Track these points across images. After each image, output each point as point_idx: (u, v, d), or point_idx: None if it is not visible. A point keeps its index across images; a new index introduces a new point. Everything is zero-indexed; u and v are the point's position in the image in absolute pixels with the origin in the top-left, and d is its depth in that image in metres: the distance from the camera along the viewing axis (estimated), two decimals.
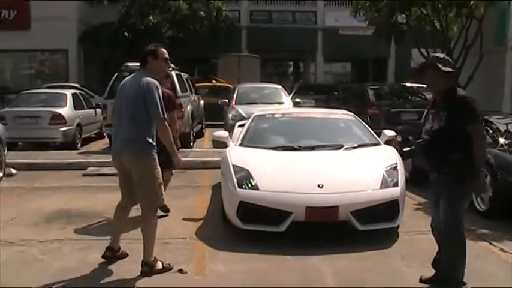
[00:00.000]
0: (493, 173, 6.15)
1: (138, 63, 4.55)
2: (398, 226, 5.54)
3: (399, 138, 8.34)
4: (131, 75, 4.50)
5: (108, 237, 4.87)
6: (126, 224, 4.86)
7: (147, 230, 4.41)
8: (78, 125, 12.82)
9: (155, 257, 4.46)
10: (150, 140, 4.28)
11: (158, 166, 4.35)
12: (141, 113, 4.24)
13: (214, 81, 20.34)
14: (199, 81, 18.87)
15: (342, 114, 7.47)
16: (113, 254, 4.67)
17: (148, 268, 4.37)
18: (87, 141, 13.48)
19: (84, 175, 9.18)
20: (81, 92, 14.96)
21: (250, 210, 5.25)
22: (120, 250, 4.74)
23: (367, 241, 5.22)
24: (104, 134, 13.01)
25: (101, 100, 13.42)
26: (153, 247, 4.43)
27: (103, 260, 4.66)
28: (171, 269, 4.50)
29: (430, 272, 4.32)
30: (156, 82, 4.34)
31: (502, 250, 5.11)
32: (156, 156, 4.32)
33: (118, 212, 4.70)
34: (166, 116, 4.31)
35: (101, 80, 20.44)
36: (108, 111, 11.04)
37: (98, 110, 13.87)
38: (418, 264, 4.69)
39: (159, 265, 4.46)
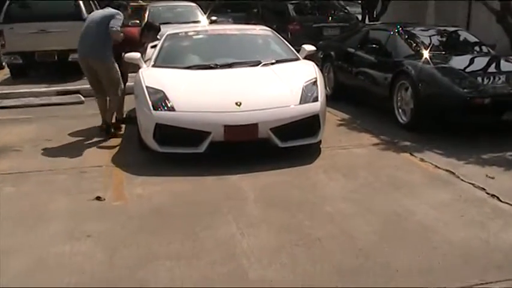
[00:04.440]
0: (414, 85, 6.41)
1: None
2: (320, 142, 5.72)
3: (321, 54, 8.81)
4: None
5: (23, 171, 5.24)
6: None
7: (113, 104, 6.69)
8: None
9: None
10: (109, 48, 6.40)
11: (116, 65, 6.48)
12: (103, 28, 6.28)
13: (140, 1, 19.83)
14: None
15: (259, 30, 7.47)
16: (108, 127, 6.69)
17: (106, 125, 6.68)
18: None
19: None
20: None
21: (167, 133, 5.29)
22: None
23: (289, 158, 5.40)
24: (3, 63, 12.13)
25: None
26: (113, 114, 6.81)
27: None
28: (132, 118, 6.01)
29: (353, 184, 4.62)
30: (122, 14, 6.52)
31: (422, 160, 5.49)
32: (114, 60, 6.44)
33: (101, 105, 6.79)
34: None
35: None
36: (6, 36, 10.49)
37: None
38: (340, 176, 4.96)
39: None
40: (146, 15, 13.25)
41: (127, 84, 6.90)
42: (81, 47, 6.54)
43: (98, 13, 6.73)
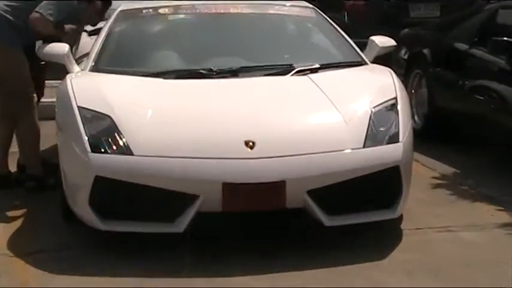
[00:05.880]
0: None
1: None
2: (401, 218, 5.27)
3: (404, 54, 8.44)
4: None
5: None
6: None
7: (27, 136, 6.23)
8: None
9: None
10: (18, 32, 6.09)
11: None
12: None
13: None
14: None
15: (292, 8, 6.96)
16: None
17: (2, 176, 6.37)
18: None
19: None
20: None
21: (116, 195, 4.87)
22: None
23: (343, 247, 4.93)
24: None
25: None
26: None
27: None
28: None
29: None
30: None
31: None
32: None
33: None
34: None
35: None
36: None
37: None
38: (439, 285, 4.45)
39: None
40: None
41: (41, 101, 6.67)
42: None
43: None
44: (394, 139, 5.03)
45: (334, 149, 4.89)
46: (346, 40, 6.49)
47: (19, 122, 6.27)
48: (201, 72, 5.75)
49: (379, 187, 4.96)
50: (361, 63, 6.14)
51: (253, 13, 6.91)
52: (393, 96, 5.39)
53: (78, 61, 6.27)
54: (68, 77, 5.69)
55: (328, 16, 6.89)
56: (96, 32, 6.67)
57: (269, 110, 5.34)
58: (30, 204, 5.99)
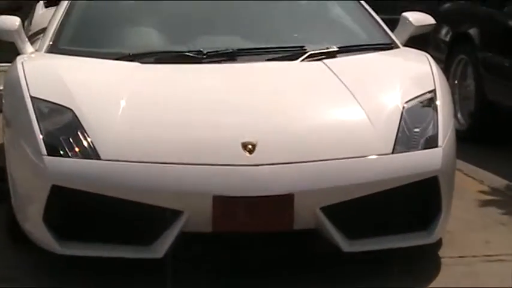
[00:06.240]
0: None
1: None
2: (439, 243, 4.98)
3: (446, 35, 8.21)
4: None
5: None
6: None
7: None
8: None
9: None
10: None
11: None
12: None
13: None
14: None
15: None
16: None
17: None
18: None
19: None
20: None
21: (77, 210, 4.58)
22: None
23: (363, 279, 4.63)
24: None
25: None
26: None
27: None
28: None
29: None
30: None
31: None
32: None
33: None
34: None
35: None
36: None
37: None
38: None
39: None
40: None
41: None
42: None
43: None
44: (431, 143, 4.73)
45: (355, 154, 4.57)
46: (372, 17, 6.13)
47: None
48: (187, 55, 5.47)
49: (412, 204, 4.70)
50: (390, 46, 5.84)
51: None
52: (431, 88, 5.07)
53: (32, 39, 6.03)
54: (19, 59, 5.43)
55: None
56: (54, 2, 6.39)
57: (273, 105, 5.01)
58: None
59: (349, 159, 4.54)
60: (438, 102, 4.98)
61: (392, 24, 6.44)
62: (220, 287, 4.70)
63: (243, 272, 4.79)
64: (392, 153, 4.58)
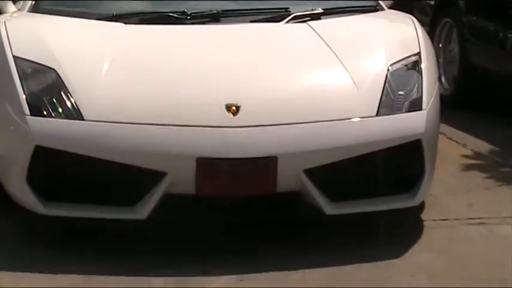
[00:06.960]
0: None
1: None
2: (422, 206, 5.00)
3: None
4: None
5: None
6: None
7: None
8: None
9: None
10: None
11: None
12: None
13: None
14: None
15: None
16: None
17: None
18: None
19: None
20: None
21: (61, 170, 4.57)
22: None
23: (347, 241, 4.69)
24: None
25: None
26: None
27: None
28: None
29: None
30: None
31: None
32: None
33: None
34: None
35: None
36: None
37: None
38: None
39: None
40: None
41: None
42: None
43: None
44: (415, 106, 4.74)
45: (339, 117, 4.58)
46: None
47: None
48: (171, 16, 5.48)
49: (395, 166, 4.67)
50: (375, 8, 5.84)
51: None
52: (416, 51, 5.09)
53: None
54: (1, 18, 5.42)
55: None
56: None
57: (257, 67, 5.04)
58: None
59: (333, 122, 4.56)
60: (423, 65, 5.00)
61: None
62: (203, 248, 4.67)
63: (226, 235, 4.81)
64: (376, 115, 4.62)
